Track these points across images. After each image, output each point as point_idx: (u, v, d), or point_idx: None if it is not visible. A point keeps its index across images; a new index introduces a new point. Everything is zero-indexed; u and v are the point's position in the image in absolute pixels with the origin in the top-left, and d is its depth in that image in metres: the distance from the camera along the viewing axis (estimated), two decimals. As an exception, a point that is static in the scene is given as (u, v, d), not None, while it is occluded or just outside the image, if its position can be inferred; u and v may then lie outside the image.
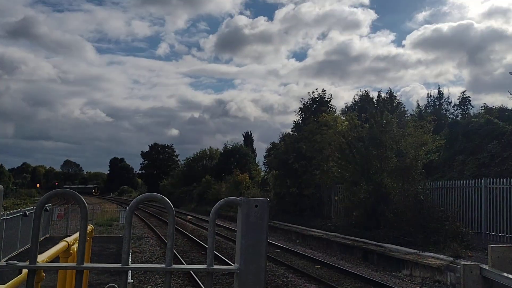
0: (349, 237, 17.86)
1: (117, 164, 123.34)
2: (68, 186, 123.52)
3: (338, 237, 18.37)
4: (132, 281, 4.93)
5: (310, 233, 20.42)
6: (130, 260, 7.64)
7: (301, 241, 20.63)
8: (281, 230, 23.89)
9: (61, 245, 2.73)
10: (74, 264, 1.40)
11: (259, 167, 53.35)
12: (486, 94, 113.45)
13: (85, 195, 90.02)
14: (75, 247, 3.61)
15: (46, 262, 2.29)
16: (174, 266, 1.50)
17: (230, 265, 1.57)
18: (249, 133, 65.18)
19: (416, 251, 13.77)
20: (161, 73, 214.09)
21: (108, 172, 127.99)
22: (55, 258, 2.79)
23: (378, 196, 18.13)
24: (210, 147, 66.63)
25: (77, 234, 3.49)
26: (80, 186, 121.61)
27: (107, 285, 5.16)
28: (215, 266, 1.56)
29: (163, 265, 1.50)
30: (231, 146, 56.91)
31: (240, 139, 62.80)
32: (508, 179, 15.10)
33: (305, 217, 26.01)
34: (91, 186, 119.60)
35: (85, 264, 1.41)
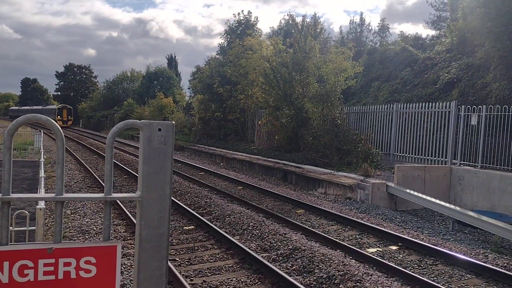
0: (270, 159, 18.54)
1: (29, 85, 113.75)
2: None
3: (260, 159, 18.99)
4: (44, 207, 4.75)
5: (234, 156, 20.86)
6: (42, 191, 7.31)
7: (225, 164, 21.08)
8: (205, 154, 24.15)
9: None
10: None
11: (183, 91, 52.25)
12: (399, 23, 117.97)
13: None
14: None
15: None
16: (66, 195, 1.39)
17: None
18: (173, 56, 62.67)
19: (331, 171, 14.71)
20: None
21: (20, 93, 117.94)
22: None
23: (299, 120, 18.75)
24: (132, 69, 63.46)
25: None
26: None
27: (16, 212, 4.95)
28: (114, 195, 1.47)
29: (53, 195, 1.38)
30: (154, 68, 54.61)
31: (163, 62, 60.40)
32: (416, 104, 16.22)
33: (229, 141, 26.44)
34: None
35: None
